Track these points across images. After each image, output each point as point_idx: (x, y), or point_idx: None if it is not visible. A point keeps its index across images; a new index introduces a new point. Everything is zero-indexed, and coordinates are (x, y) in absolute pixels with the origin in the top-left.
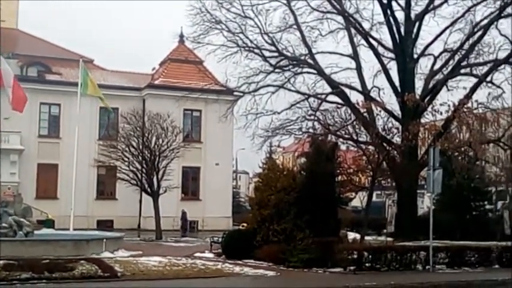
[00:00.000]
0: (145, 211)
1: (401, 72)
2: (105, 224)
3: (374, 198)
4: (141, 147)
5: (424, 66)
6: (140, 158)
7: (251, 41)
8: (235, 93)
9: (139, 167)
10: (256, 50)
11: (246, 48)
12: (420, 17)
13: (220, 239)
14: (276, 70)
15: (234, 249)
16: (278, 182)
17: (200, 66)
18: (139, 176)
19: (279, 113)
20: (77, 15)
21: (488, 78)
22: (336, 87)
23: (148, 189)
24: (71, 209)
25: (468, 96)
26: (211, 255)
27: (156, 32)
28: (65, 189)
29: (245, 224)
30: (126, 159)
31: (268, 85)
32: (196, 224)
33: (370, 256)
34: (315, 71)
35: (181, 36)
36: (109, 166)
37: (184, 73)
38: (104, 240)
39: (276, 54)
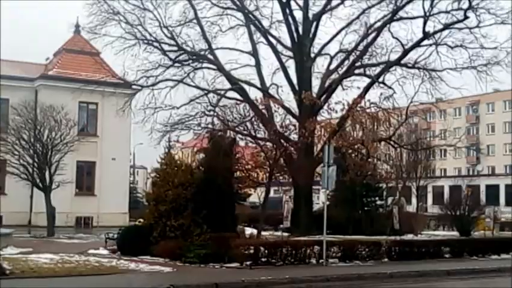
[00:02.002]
0: (37, 207)
1: (298, 70)
2: None
3: (271, 194)
4: (32, 140)
5: (320, 65)
6: (32, 151)
7: (150, 34)
8: (133, 86)
9: (31, 161)
10: (155, 44)
11: (145, 41)
12: (317, 17)
13: (115, 235)
14: (176, 64)
15: (130, 245)
16: (176, 177)
17: (96, 57)
18: (30, 170)
19: (178, 108)
20: None
21: (381, 79)
22: (236, 84)
23: (40, 184)
24: None
25: (361, 96)
26: (106, 251)
27: (51, 22)
28: None
29: (142, 220)
30: (16, 152)
31: (167, 79)
32: (90, 220)
33: (266, 251)
34: (214, 67)
35: (77, 26)
36: None
37: (80, 64)
38: None
39: (175, 48)
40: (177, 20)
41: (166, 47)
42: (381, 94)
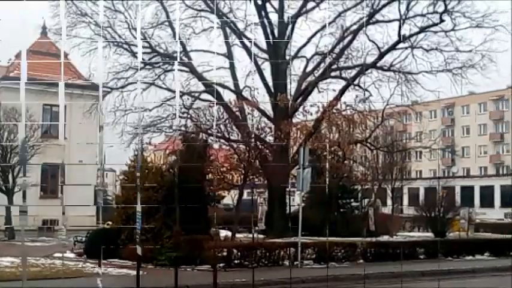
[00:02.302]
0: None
1: (274, 73)
2: None
3: (245, 196)
4: None
5: (297, 67)
6: None
7: (120, 36)
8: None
9: None
10: (125, 46)
11: (115, 43)
12: (293, 19)
13: (84, 238)
14: (147, 66)
15: (98, 248)
16: (146, 180)
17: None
18: None
19: (150, 110)
20: None
21: (356, 82)
22: (209, 86)
23: (3, 187)
24: None
25: (337, 98)
26: (72, 255)
27: (17, 23)
28: None
29: (110, 223)
30: None
31: (138, 81)
32: (57, 223)
33: (239, 253)
34: (187, 69)
35: (44, 27)
36: None
37: (46, 66)
38: None
39: (148, 50)
40: (149, 22)
41: (136, 49)
42: (357, 96)
